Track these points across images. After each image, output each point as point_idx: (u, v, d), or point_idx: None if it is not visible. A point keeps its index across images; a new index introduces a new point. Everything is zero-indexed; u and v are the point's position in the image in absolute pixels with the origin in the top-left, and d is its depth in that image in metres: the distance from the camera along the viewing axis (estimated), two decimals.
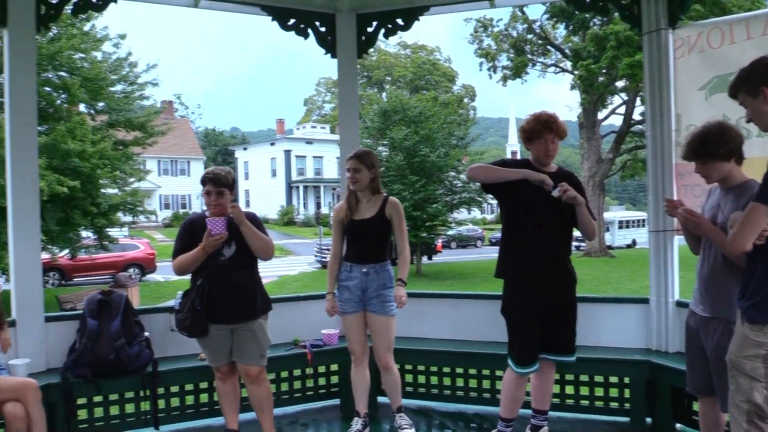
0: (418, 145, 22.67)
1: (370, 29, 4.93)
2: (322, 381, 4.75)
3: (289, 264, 26.97)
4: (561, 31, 30.99)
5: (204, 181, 3.65)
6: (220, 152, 65.44)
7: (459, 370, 4.62)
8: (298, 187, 51.05)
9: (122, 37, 17.04)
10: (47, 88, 14.94)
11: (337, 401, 4.71)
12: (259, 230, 3.68)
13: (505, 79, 31.75)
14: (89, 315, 3.99)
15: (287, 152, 51.37)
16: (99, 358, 3.87)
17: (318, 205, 50.18)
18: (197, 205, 47.98)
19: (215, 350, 3.76)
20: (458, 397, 4.64)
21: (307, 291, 17.17)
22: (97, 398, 4.07)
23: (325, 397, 4.75)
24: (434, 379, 4.70)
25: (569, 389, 4.38)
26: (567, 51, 30.01)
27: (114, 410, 4.15)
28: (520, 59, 30.99)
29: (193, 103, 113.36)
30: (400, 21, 4.86)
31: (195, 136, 57.13)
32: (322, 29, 4.87)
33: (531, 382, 3.74)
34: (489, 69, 32.39)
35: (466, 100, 60.37)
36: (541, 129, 3.49)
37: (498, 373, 4.41)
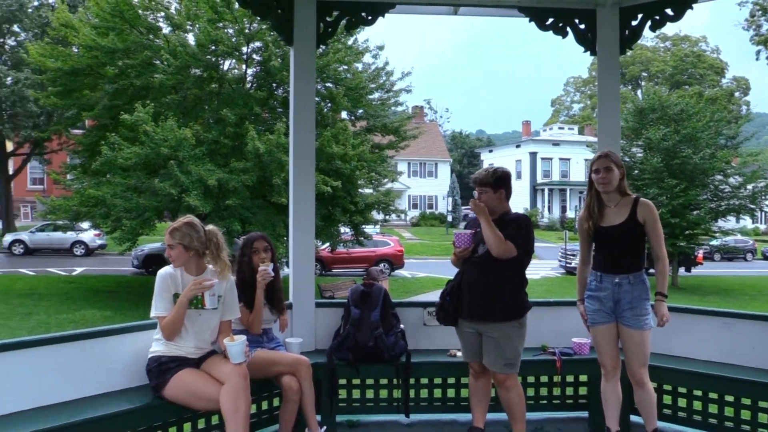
0: (678, 146, 20.78)
1: (634, 23, 4.64)
2: (569, 391, 4.59)
3: (531, 267, 26.43)
4: None
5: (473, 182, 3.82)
6: (466, 155, 66.93)
7: (729, 398, 4.10)
8: (543, 190, 50.09)
9: (380, 48, 18.35)
10: (316, 98, 16.67)
11: (585, 414, 4.52)
12: (521, 233, 3.66)
13: None
14: (353, 304, 4.34)
15: (533, 154, 50.70)
16: (359, 344, 4.20)
17: (563, 209, 48.69)
18: (443, 206, 49.67)
19: (466, 346, 3.89)
20: (726, 428, 4.12)
21: (550, 296, 16.74)
22: (356, 381, 4.41)
23: (572, 408, 4.58)
24: (697, 405, 4.24)
25: None
26: None
27: (369, 394, 4.47)
28: None
29: (441, 107, 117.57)
30: (669, 11, 4.48)
31: (443, 139, 59.21)
32: (582, 26, 4.71)
33: None
34: None
35: (737, 94, 54.02)
36: None
37: None
